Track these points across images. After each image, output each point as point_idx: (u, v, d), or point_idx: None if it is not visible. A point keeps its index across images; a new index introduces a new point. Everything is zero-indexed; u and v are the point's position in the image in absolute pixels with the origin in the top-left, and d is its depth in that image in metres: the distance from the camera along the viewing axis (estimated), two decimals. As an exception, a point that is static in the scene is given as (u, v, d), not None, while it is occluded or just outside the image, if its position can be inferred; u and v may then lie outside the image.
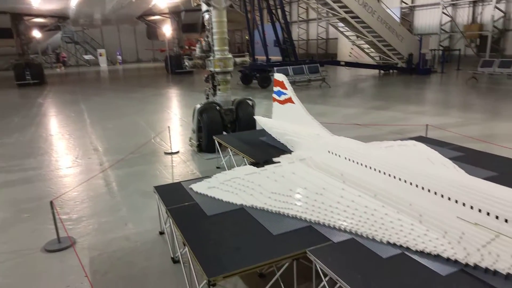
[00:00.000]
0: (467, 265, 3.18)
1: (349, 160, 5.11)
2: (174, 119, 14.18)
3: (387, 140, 6.70)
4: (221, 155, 8.20)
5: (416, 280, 3.09)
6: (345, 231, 3.84)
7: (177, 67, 30.16)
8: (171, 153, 9.63)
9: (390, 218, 3.93)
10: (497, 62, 19.48)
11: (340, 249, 3.58)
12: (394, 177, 4.45)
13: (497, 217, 3.40)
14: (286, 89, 6.94)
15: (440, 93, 18.34)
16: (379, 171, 4.65)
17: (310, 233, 3.87)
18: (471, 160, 5.85)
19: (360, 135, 9.79)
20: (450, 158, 5.74)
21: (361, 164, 4.92)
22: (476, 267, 3.13)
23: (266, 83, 20.79)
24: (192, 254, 3.63)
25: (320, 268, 3.44)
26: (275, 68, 19.58)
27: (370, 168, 4.77)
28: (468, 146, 6.78)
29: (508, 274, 2.99)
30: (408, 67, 24.58)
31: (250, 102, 10.02)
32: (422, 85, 20.48)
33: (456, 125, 11.16)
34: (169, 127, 10.10)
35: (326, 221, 3.98)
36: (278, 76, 7.11)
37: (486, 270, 3.09)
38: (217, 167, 8.38)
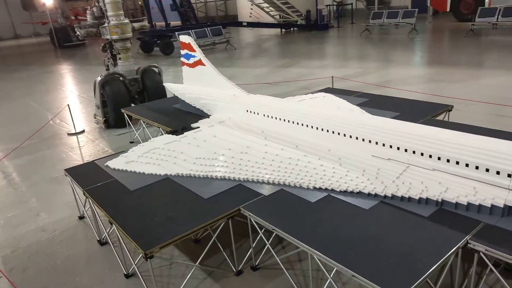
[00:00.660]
0: (385, 196, 3.48)
1: (268, 116, 5.18)
2: (72, 97, 12.97)
3: (299, 95, 6.93)
4: (133, 129, 7.77)
5: (343, 216, 3.31)
6: (274, 183, 3.93)
7: (65, 40, 27.34)
8: (76, 133, 8.85)
9: (313, 165, 4.11)
10: (385, 13, 21.02)
11: (272, 201, 3.67)
12: (312, 127, 4.63)
13: (406, 150, 3.74)
14: (194, 51, 6.69)
15: (339, 46, 19.36)
16: (297, 124, 4.79)
17: (241, 191, 3.89)
18: (375, 104, 6.33)
19: (273, 94, 9.98)
20: (357, 105, 6.15)
21: (280, 119, 5.02)
22: (393, 197, 3.45)
23: (169, 49, 19.89)
24: (122, 231, 3.43)
25: (255, 221, 3.51)
26: (176, 33, 18.76)
27: (289, 121, 4.90)
28: (371, 92, 7.31)
29: (420, 198, 3.34)
30: (307, 24, 25.38)
31: (156, 70, 9.50)
32: (322, 40, 21.39)
33: (357, 74, 11.93)
34: (68, 105, 9.21)
35: (255, 177, 4.03)
36: (184, 38, 6.80)
37: (402, 198, 3.41)
38: (131, 142, 7.94)
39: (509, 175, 3.07)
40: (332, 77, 9.38)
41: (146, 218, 3.59)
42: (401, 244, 2.89)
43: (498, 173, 3.13)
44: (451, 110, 5.90)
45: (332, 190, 3.70)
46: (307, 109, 4.94)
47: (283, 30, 26.64)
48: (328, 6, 26.98)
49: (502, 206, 3.04)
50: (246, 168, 4.24)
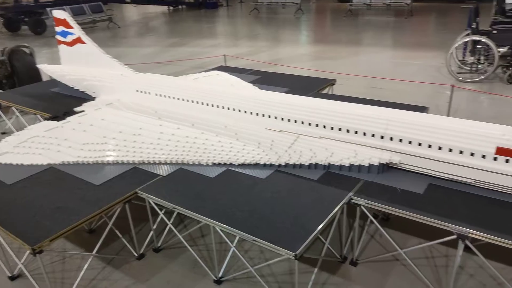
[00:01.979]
0: (280, 165, 3.68)
1: (161, 95, 5.02)
2: None
3: (191, 74, 6.83)
4: (4, 118, 6.85)
5: (242, 187, 3.42)
6: (171, 163, 3.86)
7: None
8: None
9: (211, 142, 4.13)
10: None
11: (171, 180, 3.61)
12: (207, 104, 4.62)
13: (295, 122, 3.98)
14: (71, 28, 6.08)
15: (230, 25, 19.47)
16: (192, 102, 4.74)
17: (137, 174, 3.74)
18: (267, 80, 6.56)
19: (164, 74, 9.65)
20: (250, 82, 6.30)
21: (174, 98, 4.90)
22: (286, 165, 3.66)
23: (40, 28, 17.47)
24: (1, 229, 3.05)
25: (154, 202, 3.42)
26: (48, 9, 16.71)
27: (183, 100, 4.82)
28: (263, 70, 7.55)
29: (310, 164, 3.61)
30: (196, 2, 24.89)
31: (27, 50, 8.43)
32: (212, 19, 21.26)
33: (249, 53, 12.18)
34: None
35: (151, 159, 3.90)
36: (58, 14, 6.13)
37: (294, 165, 3.65)
38: (2, 133, 7.02)
39: (381, 137, 3.48)
40: (225, 55, 9.43)
41: (30, 211, 3.23)
42: (295, 206, 3.11)
43: (373, 135, 3.53)
44: (334, 84, 6.42)
45: (231, 164, 3.78)
46: (202, 86, 4.90)
47: (171, 8, 25.75)
48: (217, -15, 26.80)
49: (377, 164, 3.45)
50: (141, 150, 4.07)
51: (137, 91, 5.24)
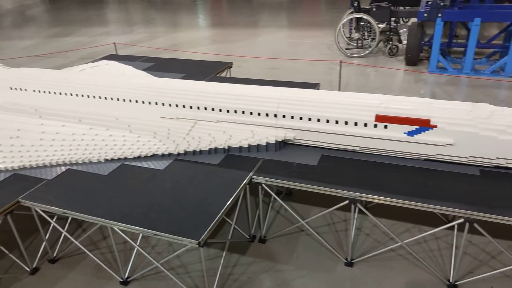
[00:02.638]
0: (179, 154, 3.57)
1: (40, 92, 4.52)
2: None
3: (77, 65, 6.28)
4: None
5: (139, 181, 3.25)
6: (58, 165, 3.51)
7: None
8: None
9: (101, 137, 3.84)
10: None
11: (58, 184, 3.28)
12: (94, 96, 4.28)
13: (191, 107, 3.88)
14: None
15: (122, 12, 18.32)
16: (77, 95, 4.35)
17: (17, 181, 3.33)
18: (162, 67, 6.31)
19: (47, 67, 8.76)
20: (143, 69, 6.00)
21: (55, 93, 4.45)
22: (186, 153, 3.57)
23: None
24: None
25: (41, 210, 3.09)
26: None
27: (66, 94, 4.40)
28: (159, 56, 7.24)
29: (210, 149, 3.56)
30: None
31: None
32: (101, 5, 19.80)
33: (143, 40, 11.61)
34: None
35: (33, 162, 3.50)
36: None
37: (194, 152, 3.57)
38: None
39: (275, 115, 3.56)
40: (115, 43, 8.85)
41: None
42: (196, 194, 3.04)
43: (267, 115, 3.59)
44: (231, 67, 6.41)
45: (126, 159, 3.56)
46: (87, 78, 4.51)
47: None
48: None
49: (274, 142, 3.53)
50: (21, 154, 3.63)
51: (11, 88, 4.65)
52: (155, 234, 2.68)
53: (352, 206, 3.05)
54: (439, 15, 7.21)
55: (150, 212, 2.86)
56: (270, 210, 3.87)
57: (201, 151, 3.58)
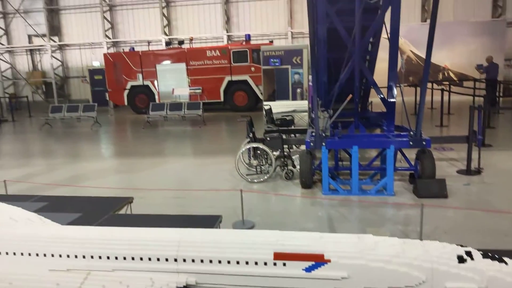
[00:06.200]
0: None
1: None
2: None
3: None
4: None
5: None
6: None
7: None
8: None
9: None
10: (65, 107, 20.74)
11: None
12: (-31, 252, 3.79)
13: (84, 257, 3.63)
14: None
15: (16, 142, 17.44)
16: None
17: None
18: (56, 207, 5.94)
19: None
20: (35, 211, 5.56)
21: None
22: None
23: None
24: None
25: None
26: None
27: None
28: (53, 193, 6.84)
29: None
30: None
31: None
32: (-7, 136, 18.70)
33: (39, 173, 10.98)
34: None
35: None
36: None
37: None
38: None
39: (175, 259, 3.49)
40: (5, 181, 8.20)
41: None
42: None
43: (167, 260, 3.50)
44: (132, 202, 6.28)
45: (0, 328, 3.06)
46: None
47: None
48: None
49: (175, 288, 3.39)
50: None
51: None
52: None
53: None
54: (323, 143, 8.24)
55: None
56: None
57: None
